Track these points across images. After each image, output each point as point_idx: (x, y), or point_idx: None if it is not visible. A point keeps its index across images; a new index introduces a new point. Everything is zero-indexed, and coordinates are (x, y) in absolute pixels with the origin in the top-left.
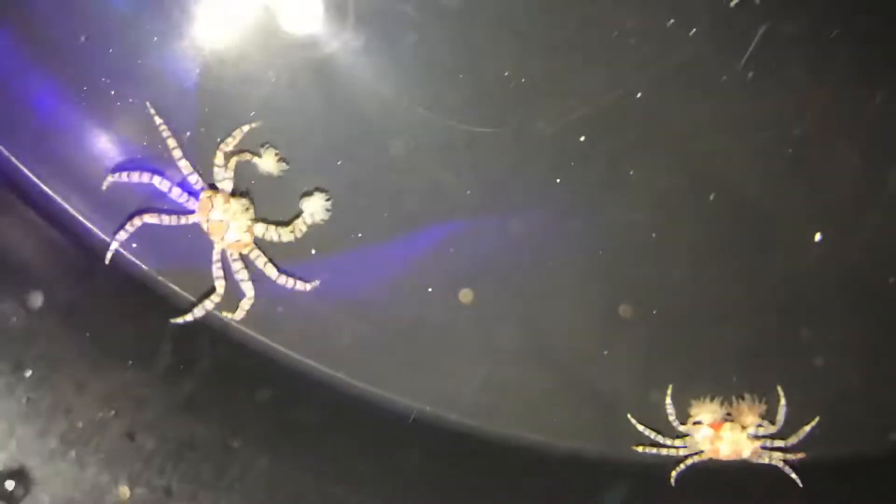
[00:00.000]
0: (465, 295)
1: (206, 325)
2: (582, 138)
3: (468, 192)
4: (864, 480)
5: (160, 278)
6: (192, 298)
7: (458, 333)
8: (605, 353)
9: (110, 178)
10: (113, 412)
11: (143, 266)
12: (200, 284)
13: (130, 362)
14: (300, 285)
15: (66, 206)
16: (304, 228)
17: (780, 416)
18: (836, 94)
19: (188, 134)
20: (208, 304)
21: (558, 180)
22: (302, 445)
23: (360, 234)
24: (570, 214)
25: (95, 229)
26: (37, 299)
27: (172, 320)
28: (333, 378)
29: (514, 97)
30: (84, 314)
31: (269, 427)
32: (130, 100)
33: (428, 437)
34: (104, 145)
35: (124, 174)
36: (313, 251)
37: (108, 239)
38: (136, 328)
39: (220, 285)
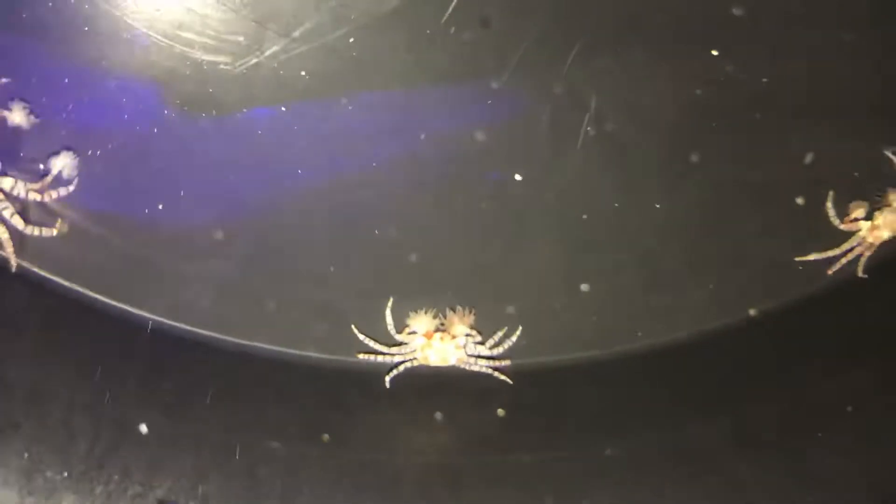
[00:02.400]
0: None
1: None
2: (303, 73)
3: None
4: (572, 386)
5: None
6: None
7: (194, 247)
8: (332, 269)
9: None
10: None
11: None
12: None
13: None
14: (46, 232)
15: None
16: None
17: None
18: (536, 45)
19: None
20: None
21: (283, 108)
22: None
23: (99, 152)
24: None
25: None
26: None
27: None
28: (69, 289)
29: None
30: None
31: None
32: None
33: (161, 346)
34: None
35: None
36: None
37: None
38: None
39: None
